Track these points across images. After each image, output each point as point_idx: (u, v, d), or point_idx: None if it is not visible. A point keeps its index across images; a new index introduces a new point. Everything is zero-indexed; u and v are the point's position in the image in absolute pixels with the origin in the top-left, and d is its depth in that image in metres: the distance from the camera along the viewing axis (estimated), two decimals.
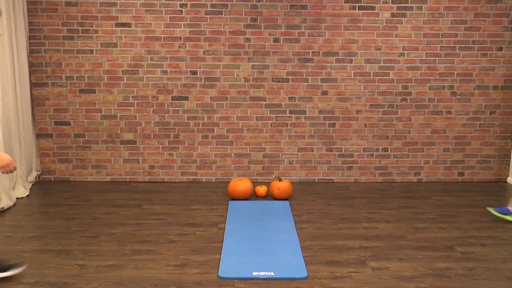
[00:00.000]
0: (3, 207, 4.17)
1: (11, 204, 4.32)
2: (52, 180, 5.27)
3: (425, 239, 3.62)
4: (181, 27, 5.02)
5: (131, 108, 5.15)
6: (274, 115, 5.21)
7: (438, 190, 5.05)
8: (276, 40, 5.07)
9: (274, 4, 5.01)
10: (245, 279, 2.92)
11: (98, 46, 5.03)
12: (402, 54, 5.13)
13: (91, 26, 4.99)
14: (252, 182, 5.23)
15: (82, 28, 5.00)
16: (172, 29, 5.02)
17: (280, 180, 4.64)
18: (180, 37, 5.04)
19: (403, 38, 5.11)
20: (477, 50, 5.15)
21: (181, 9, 4.99)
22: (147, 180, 5.30)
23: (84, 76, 5.09)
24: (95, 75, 5.08)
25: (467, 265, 3.16)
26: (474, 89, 5.23)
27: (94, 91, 5.11)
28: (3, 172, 2.77)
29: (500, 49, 5.15)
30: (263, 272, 2.98)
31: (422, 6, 5.05)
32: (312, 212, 4.25)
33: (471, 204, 4.54)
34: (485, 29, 5.11)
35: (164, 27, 5.02)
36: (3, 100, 4.44)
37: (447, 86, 5.21)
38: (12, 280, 2.88)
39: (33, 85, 5.09)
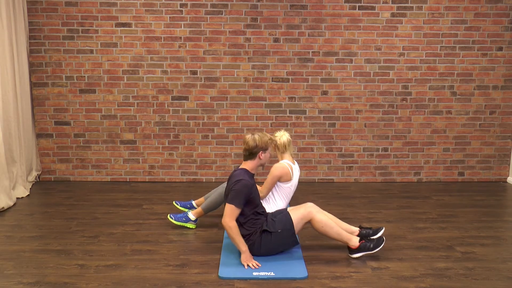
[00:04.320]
0: (3, 207, 4.17)
1: (11, 204, 4.32)
2: (52, 180, 5.27)
3: (425, 239, 3.62)
4: (181, 27, 5.02)
5: (131, 108, 5.15)
6: (274, 115, 5.21)
7: (438, 190, 5.05)
8: (276, 40, 5.07)
9: (274, 4, 5.01)
10: (245, 279, 2.92)
11: (98, 46, 5.03)
12: (402, 54, 5.13)
13: (91, 26, 4.99)
14: None
15: (82, 28, 4.99)
16: (172, 29, 5.02)
17: None
18: (180, 37, 5.04)
19: (403, 38, 5.11)
20: (477, 50, 5.15)
21: (181, 9, 4.99)
22: (147, 180, 5.30)
23: (84, 76, 5.08)
24: (95, 75, 5.08)
25: (467, 265, 3.16)
26: (474, 89, 5.23)
27: (94, 91, 5.11)
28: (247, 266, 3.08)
29: (500, 49, 5.15)
30: (263, 272, 2.98)
31: (422, 6, 5.05)
32: None
33: (471, 204, 4.54)
34: (485, 29, 5.11)
35: (164, 27, 5.01)
36: (3, 100, 4.43)
37: (447, 86, 5.21)
38: (12, 280, 2.88)
39: (33, 85, 5.09)
